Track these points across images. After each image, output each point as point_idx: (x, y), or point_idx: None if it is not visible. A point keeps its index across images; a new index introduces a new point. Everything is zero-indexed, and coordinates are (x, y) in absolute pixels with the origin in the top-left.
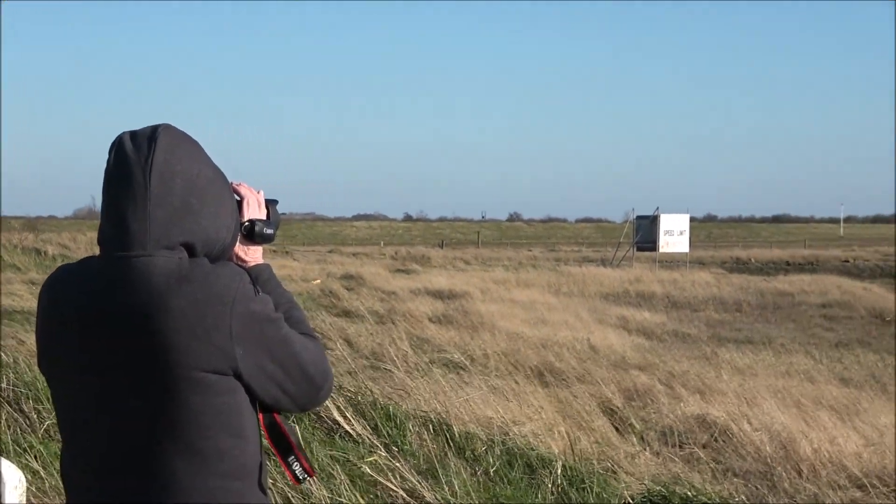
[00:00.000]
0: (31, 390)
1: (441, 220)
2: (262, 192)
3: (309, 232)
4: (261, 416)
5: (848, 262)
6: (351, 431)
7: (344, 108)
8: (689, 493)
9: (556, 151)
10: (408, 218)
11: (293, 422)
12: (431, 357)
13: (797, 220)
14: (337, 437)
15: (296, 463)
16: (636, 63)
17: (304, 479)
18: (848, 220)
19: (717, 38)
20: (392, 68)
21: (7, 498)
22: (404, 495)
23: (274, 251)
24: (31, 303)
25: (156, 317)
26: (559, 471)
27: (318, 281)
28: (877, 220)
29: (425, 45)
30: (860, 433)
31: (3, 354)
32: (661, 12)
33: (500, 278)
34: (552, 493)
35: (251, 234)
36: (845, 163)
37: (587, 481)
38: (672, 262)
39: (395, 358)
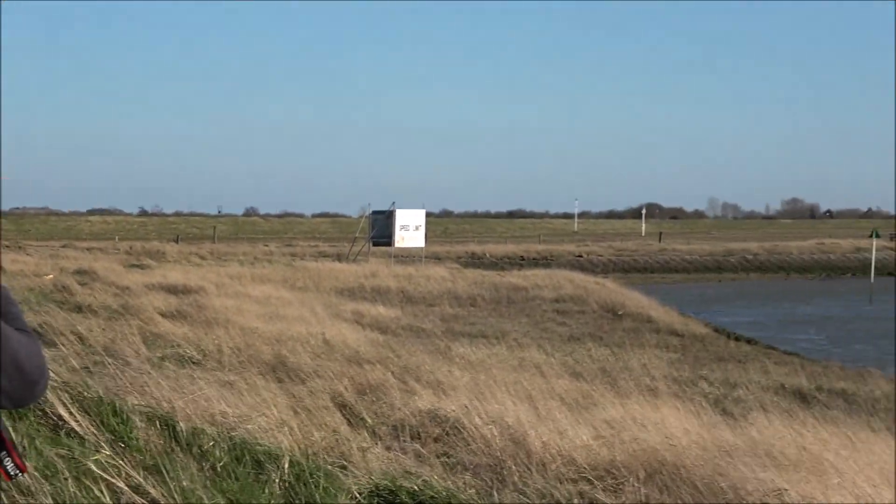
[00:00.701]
0: None
1: (177, 214)
2: None
3: (43, 227)
4: None
5: (581, 256)
6: (77, 428)
7: (74, 99)
8: (416, 487)
9: (292, 145)
10: (143, 213)
11: (14, 417)
12: (164, 352)
13: (532, 215)
14: (63, 433)
15: (7, 458)
16: (375, 56)
17: (17, 474)
18: (582, 215)
19: (458, 33)
20: (126, 60)
21: None
22: (130, 492)
23: (7, 246)
24: None
25: None
26: (286, 466)
27: (51, 276)
28: (610, 215)
29: (179, 35)
30: (590, 426)
31: None
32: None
33: (235, 273)
34: (280, 488)
35: None
36: (580, 159)
37: (314, 476)
38: (408, 257)
39: (127, 353)
